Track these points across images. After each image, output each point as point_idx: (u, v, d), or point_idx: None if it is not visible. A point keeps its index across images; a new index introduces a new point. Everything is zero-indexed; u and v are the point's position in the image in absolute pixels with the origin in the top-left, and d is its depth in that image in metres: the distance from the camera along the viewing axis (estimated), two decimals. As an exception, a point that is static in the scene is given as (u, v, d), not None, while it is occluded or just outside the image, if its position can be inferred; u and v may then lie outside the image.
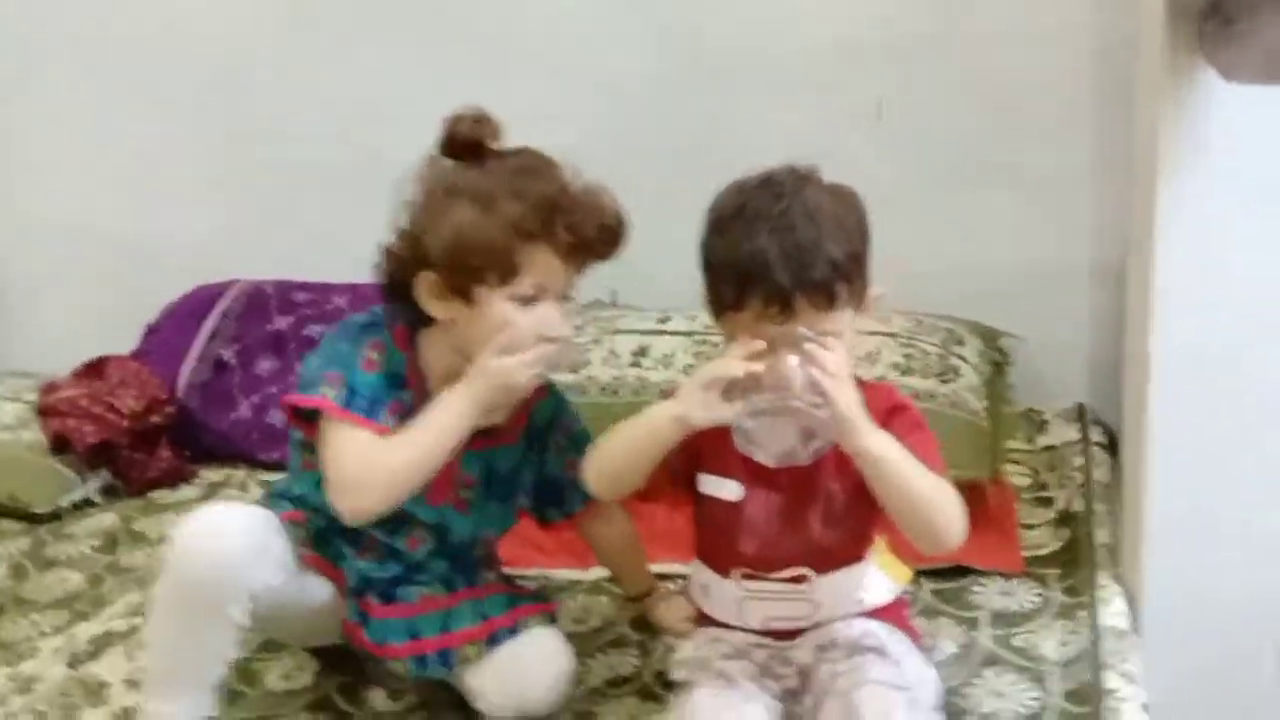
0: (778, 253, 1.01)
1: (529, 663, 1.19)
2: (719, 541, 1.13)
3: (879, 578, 1.14)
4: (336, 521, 1.16)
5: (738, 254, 1.03)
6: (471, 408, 1.13)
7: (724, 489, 1.09)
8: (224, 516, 1.16)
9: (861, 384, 1.15)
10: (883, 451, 1.02)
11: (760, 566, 1.11)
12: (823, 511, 1.10)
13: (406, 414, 1.15)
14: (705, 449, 1.09)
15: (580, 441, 1.26)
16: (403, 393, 1.17)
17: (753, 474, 1.08)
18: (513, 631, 1.21)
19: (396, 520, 1.19)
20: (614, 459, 1.11)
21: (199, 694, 1.13)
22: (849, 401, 1.00)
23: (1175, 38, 1.11)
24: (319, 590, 1.20)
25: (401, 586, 1.22)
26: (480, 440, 1.18)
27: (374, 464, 1.11)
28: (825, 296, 1.02)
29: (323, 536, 1.20)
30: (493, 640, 1.20)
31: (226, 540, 1.11)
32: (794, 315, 1.01)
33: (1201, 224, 1.18)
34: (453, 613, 1.21)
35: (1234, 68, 1.06)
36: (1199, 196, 1.17)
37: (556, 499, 1.28)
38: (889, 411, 1.10)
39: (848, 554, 1.12)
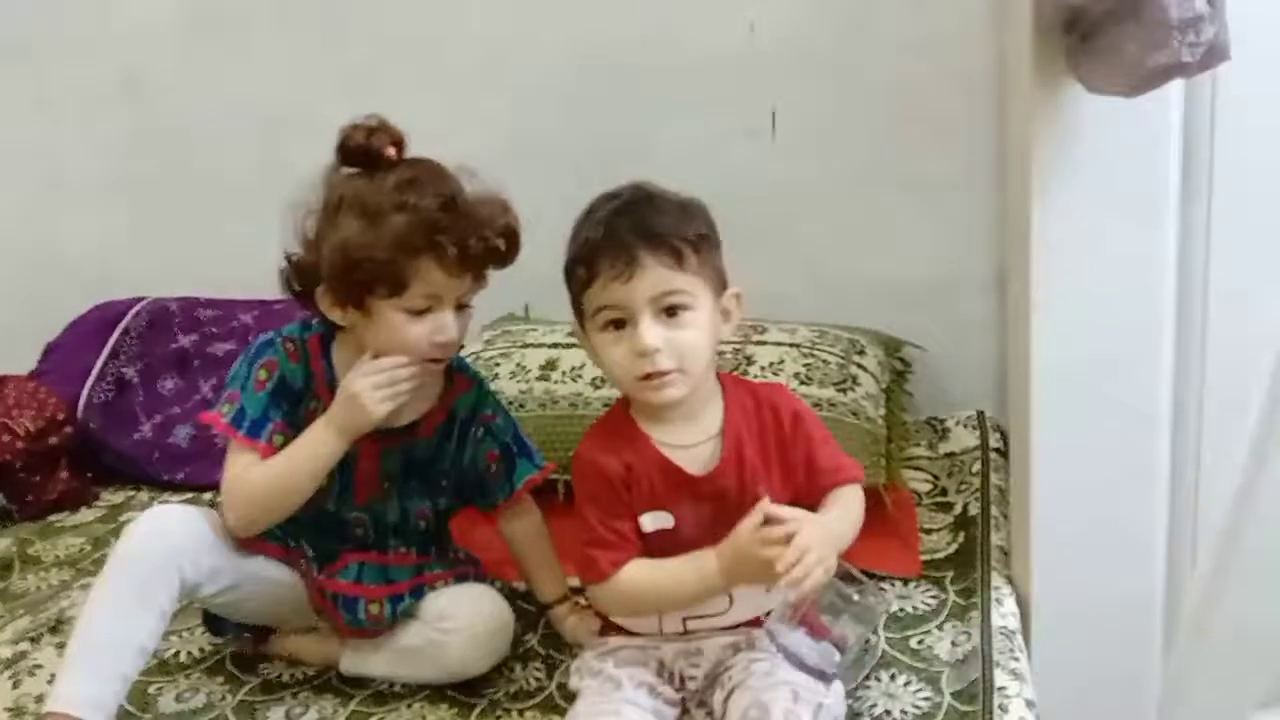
0: (621, 221, 1.06)
1: (492, 595, 1.28)
2: None
3: None
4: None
5: (585, 237, 1.07)
6: (329, 433, 1.17)
7: (658, 521, 1.11)
8: (162, 511, 1.24)
9: (752, 386, 1.18)
10: (840, 544, 1.07)
11: None
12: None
13: (308, 423, 1.20)
14: (636, 496, 1.11)
15: (499, 434, 1.30)
16: (306, 403, 1.21)
17: (675, 496, 1.10)
18: (479, 577, 1.31)
19: (337, 520, 1.27)
20: (645, 598, 1.12)
21: (109, 682, 1.12)
22: (828, 567, 1.04)
23: (1042, 51, 1.15)
24: (272, 571, 1.25)
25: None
26: (397, 438, 1.24)
27: (243, 484, 1.18)
28: (669, 252, 1.05)
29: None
30: (460, 579, 1.29)
31: (160, 534, 1.17)
32: (641, 271, 1.04)
33: (1075, 234, 1.22)
34: (425, 565, 1.29)
35: (1096, 81, 1.11)
36: (1073, 206, 1.21)
37: (481, 489, 1.32)
38: (793, 419, 1.14)
39: None
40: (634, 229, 1.05)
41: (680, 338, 1.06)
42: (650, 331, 1.04)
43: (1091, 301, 1.25)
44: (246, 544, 1.22)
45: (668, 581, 1.10)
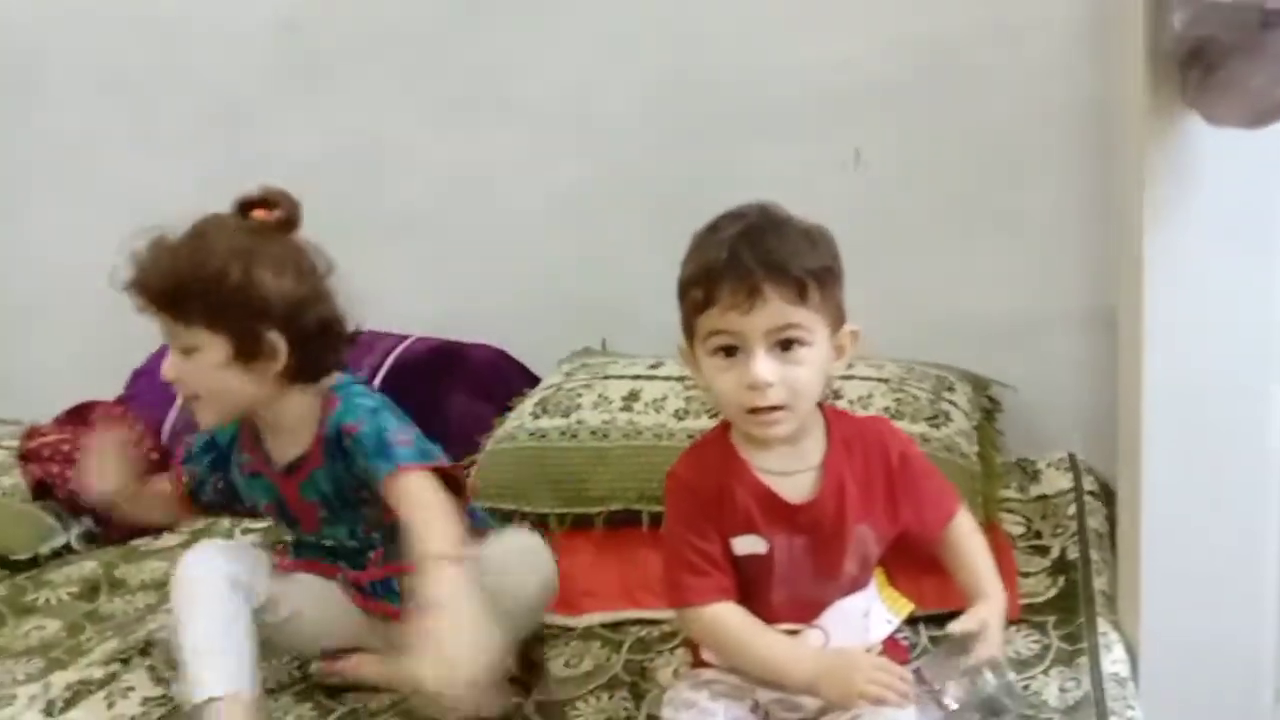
0: (746, 247, 1.02)
1: (530, 536, 1.36)
2: (753, 594, 1.10)
3: (880, 608, 1.15)
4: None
5: (706, 258, 1.04)
6: None
7: (751, 545, 1.09)
8: (201, 544, 1.31)
9: (856, 420, 1.17)
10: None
11: (796, 616, 1.10)
12: (857, 554, 1.11)
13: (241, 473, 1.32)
14: (728, 518, 1.09)
15: (364, 442, 1.22)
16: (237, 457, 1.33)
17: (771, 523, 1.08)
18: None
19: (319, 545, 1.33)
20: (727, 649, 1.10)
21: (228, 662, 1.17)
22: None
23: (1158, 84, 1.13)
24: (320, 588, 1.31)
25: None
26: (296, 473, 1.28)
27: None
28: (794, 286, 1.02)
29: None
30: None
31: (207, 559, 1.25)
32: (763, 303, 1.01)
33: (1190, 268, 1.19)
34: None
35: (1217, 113, 1.08)
36: (1186, 240, 1.18)
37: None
38: (900, 459, 1.12)
39: (856, 581, 1.13)
40: (759, 258, 1.01)
41: (793, 373, 1.03)
42: (764, 365, 1.02)
43: (1206, 335, 1.21)
44: (285, 564, 1.30)
45: (752, 646, 1.07)
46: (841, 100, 1.77)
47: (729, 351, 1.04)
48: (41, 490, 1.79)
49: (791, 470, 1.09)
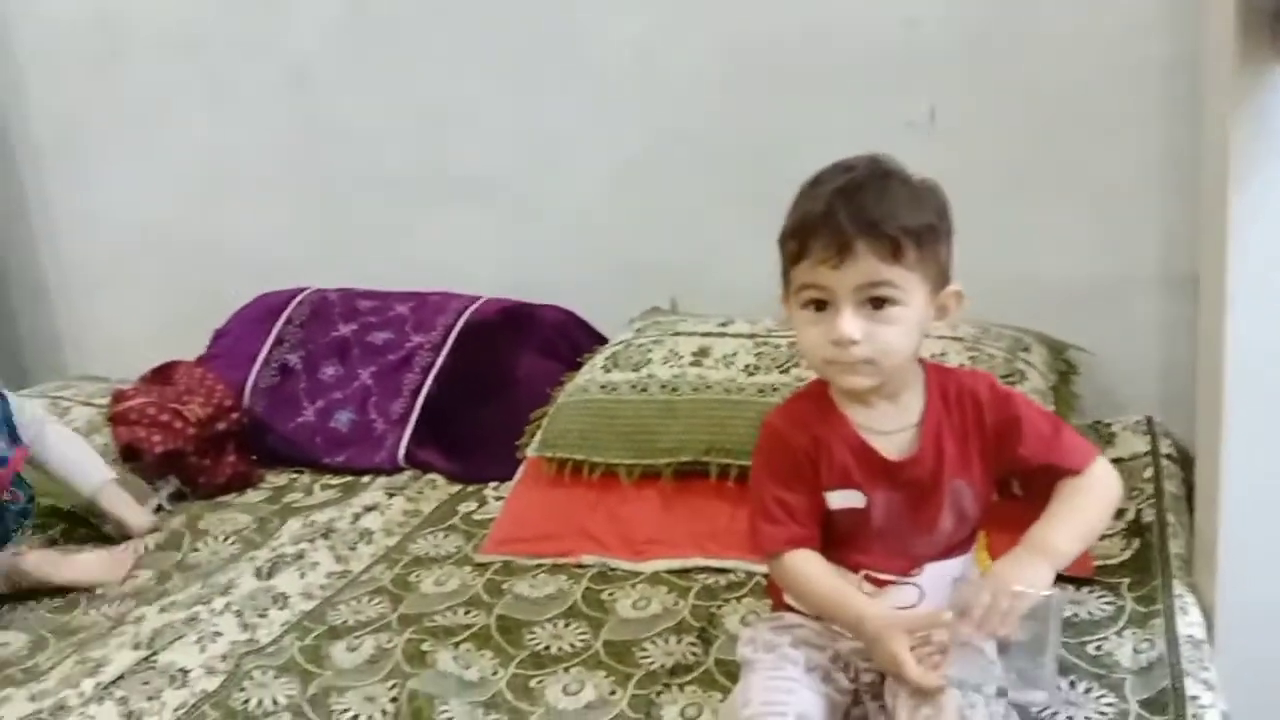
0: (842, 203, 1.01)
1: None
2: (850, 545, 1.10)
3: (975, 574, 1.12)
4: None
5: (804, 211, 1.04)
6: None
7: (848, 500, 1.09)
8: None
9: (956, 374, 1.15)
10: (1067, 553, 1.03)
11: (893, 567, 1.09)
12: (954, 509, 1.09)
13: None
14: (824, 472, 1.09)
15: None
16: None
17: (869, 479, 1.08)
18: None
19: None
20: (799, 595, 1.11)
21: None
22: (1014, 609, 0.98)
23: (1248, 36, 1.10)
24: None
25: None
26: None
27: None
28: (888, 244, 1.00)
29: None
30: None
31: None
32: (853, 259, 1.00)
33: (1276, 227, 1.16)
34: None
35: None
36: (1273, 198, 1.15)
37: None
38: (1004, 398, 1.10)
39: (958, 544, 1.12)
40: (854, 214, 1.00)
41: (881, 332, 1.02)
42: (850, 322, 1.02)
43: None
44: None
45: (818, 592, 1.08)
46: (912, 58, 1.75)
47: (819, 306, 1.04)
48: (130, 453, 1.84)
49: (891, 429, 1.09)
